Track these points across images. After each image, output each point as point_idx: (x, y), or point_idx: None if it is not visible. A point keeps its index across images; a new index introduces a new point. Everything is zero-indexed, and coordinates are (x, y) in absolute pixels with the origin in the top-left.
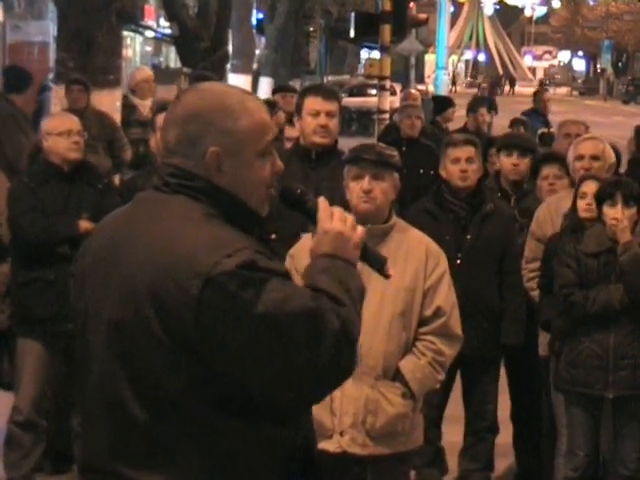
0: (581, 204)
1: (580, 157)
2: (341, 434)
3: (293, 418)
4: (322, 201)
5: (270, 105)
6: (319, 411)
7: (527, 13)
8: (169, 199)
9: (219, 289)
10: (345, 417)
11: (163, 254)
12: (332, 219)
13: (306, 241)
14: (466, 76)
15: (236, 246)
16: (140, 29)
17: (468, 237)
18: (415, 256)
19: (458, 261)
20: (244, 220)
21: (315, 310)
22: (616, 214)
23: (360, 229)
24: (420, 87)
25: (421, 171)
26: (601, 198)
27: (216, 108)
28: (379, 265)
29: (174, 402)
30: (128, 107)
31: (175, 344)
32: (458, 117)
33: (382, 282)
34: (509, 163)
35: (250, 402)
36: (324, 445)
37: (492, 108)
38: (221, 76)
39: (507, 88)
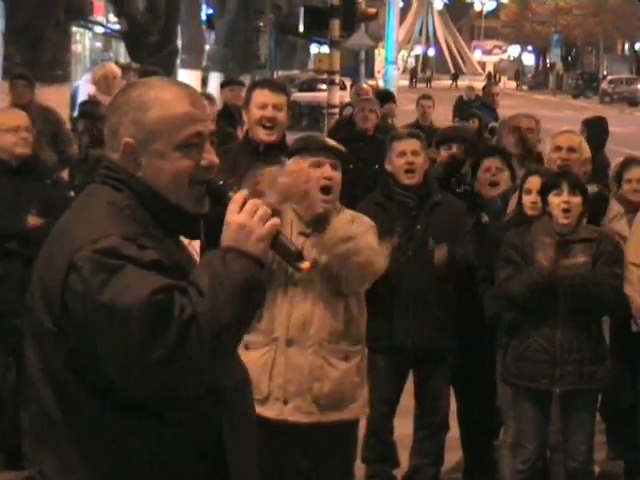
0: (526, 200)
1: (558, 148)
2: (285, 402)
3: (174, 414)
4: (238, 194)
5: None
6: (256, 374)
7: (477, 8)
8: (97, 189)
9: (77, 273)
10: (289, 386)
11: (51, 241)
12: (241, 211)
13: None
14: (423, 71)
15: (105, 232)
16: (89, 25)
17: (418, 227)
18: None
19: (410, 251)
20: (167, 215)
21: (156, 301)
22: (564, 200)
23: (271, 222)
24: (370, 82)
25: (377, 166)
26: (547, 189)
27: (132, 100)
28: (291, 258)
29: (64, 387)
30: (92, 102)
31: (55, 329)
32: (410, 112)
33: (314, 253)
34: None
35: (116, 392)
36: (262, 410)
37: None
38: (170, 71)
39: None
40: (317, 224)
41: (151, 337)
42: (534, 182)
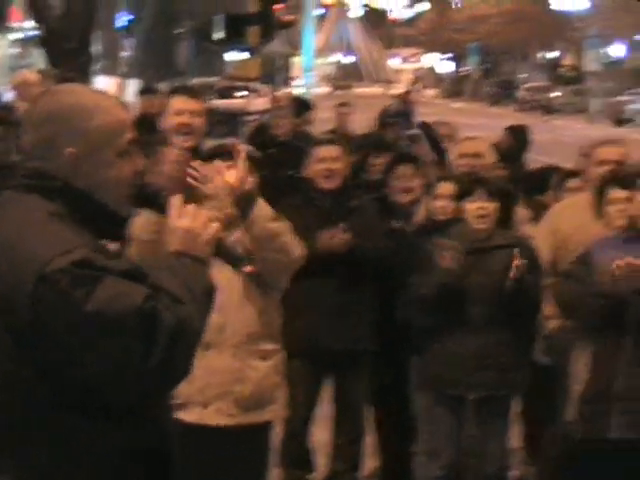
0: (436, 206)
1: (463, 155)
2: (205, 406)
3: (132, 418)
4: (174, 198)
5: None
6: None
7: (394, 16)
8: (21, 198)
9: (52, 286)
10: (209, 389)
11: (4, 252)
12: (182, 216)
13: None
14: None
15: (72, 244)
16: (6, 31)
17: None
18: None
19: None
20: (102, 220)
21: (147, 309)
22: (478, 206)
23: (214, 225)
24: (288, 89)
25: (290, 172)
26: (461, 195)
27: (70, 109)
28: (235, 261)
29: (21, 392)
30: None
31: (13, 340)
32: (329, 119)
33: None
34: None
35: (88, 398)
36: (182, 415)
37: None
38: (87, 78)
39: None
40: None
41: (145, 345)
42: (445, 188)
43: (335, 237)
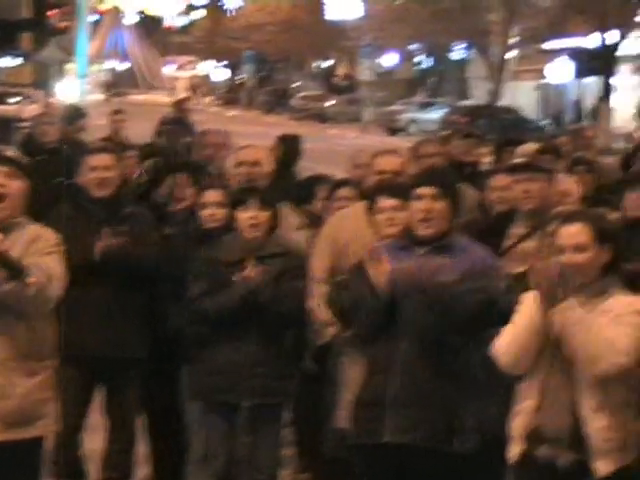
0: (203, 214)
1: (240, 164)
2: None
3: None
4: None
5: None
6: None
7: (168, 23)
8: None
9: None
10: None
11: None
12: None
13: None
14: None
15: None
16: None
17: None
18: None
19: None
20: None
21: None
22: (250, 215)
23: None
24: (61, 96)
25: (59, 179)
26: (234, 204)
27: None
28: (18, 274)
29: None
30: None
31: None
32: (103, 126)
33: None
34: None
35: None
36: None
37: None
38: None
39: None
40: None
41: None
42: (210, 196)
43: (106, 243)
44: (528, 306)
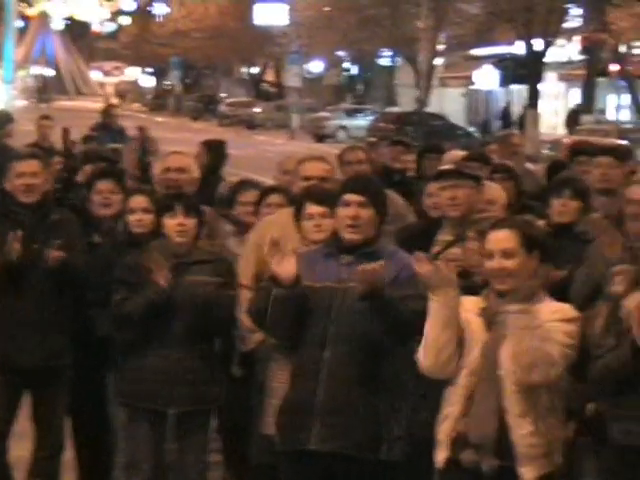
0: (130, 220)
1: (167, 170)
2: None
3: None
4: None
5: None
6: None
7: (96, 29)
8: None
9: None
10: None
11: None
12: None
13: None
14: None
15: None
16: None
17: (36, 246)
18: None
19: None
20: None
21: None
22: (178, 222)
23: None
24: None
25: None
26: (161, 210)
27: None
28: None
29: None
30: None
31: None
32: (30, 132)
33: None
34: None
35: None
36: None
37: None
38: None
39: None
40: None
41: None
42: (137, 201)
43: (59, 254)
44: (435, 309)
